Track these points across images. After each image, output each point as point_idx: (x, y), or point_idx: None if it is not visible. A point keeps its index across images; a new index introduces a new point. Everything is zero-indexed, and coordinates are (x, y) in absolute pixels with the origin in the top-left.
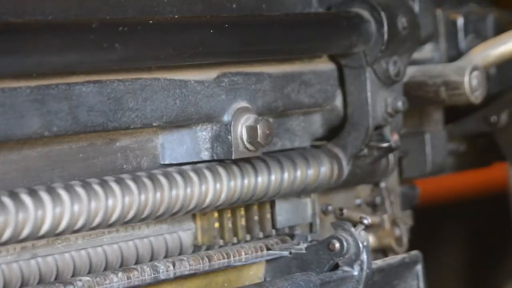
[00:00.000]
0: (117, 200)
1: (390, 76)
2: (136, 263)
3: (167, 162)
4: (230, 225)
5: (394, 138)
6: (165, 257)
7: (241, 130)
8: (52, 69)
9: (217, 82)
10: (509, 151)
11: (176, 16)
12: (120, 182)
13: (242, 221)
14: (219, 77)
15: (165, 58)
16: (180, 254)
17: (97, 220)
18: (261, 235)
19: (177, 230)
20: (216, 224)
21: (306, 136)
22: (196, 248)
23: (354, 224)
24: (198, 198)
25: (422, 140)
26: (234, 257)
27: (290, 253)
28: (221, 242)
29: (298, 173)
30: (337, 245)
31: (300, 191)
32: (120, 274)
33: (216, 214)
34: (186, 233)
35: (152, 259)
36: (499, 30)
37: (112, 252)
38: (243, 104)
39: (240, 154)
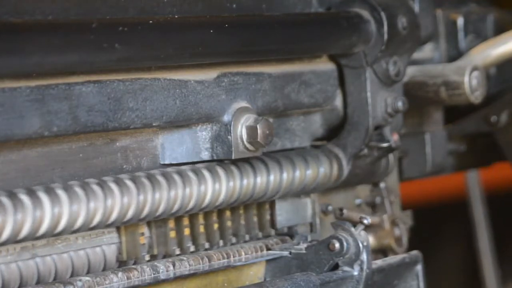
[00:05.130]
0: (116, 200)
1: (390, 76)
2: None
3: (167, 162)
4: (230, 224)
5: (394, 138)
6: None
7: (241, 130)
8: (52, 69)
9: (217, 82)
10: (509, 151)
11: (176, 16)
12: (118, 182)
13: (242, 220)
14: (219, 77)
15: (165, 58)
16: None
17: (95, 220)
18: (260, 235)
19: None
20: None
21: (306, 136)
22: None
23: (354, 224)
24: (196, 198)
25: (422, 140)
26: (234, 257)
27: (290, 253)
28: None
29: (298, 173)
30: (337, 245)
31: (300, 191)
32: (120, 274)
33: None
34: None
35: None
36: (499, 30)
37: (111, 252)
38: (243, 104)
39: (240, 154)
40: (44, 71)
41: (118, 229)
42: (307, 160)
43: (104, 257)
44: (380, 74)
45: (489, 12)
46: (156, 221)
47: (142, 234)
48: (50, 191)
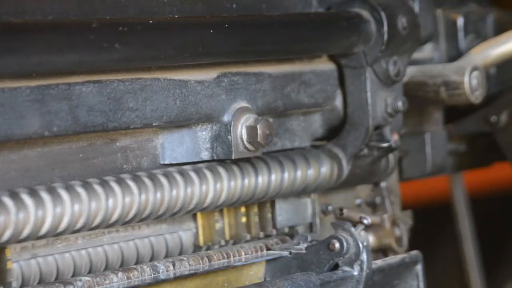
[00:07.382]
0: (118, 200)
1: (390, 76)
2: (136, 263)
3: (167, 162)
4: (232, 223)
5: (394, 138)
6: (165, 257)
7: (241, 130)
8: (52, 69)
9: (217, 82)
10: (509, 151)
11: (176, 16)
12: (120, 182)
13: (243, 220)
14: (219, 77)
15: (165, 58)
16: (180, 254)
17: (97, 220)
18: (261, 235)
19: (177, 230)
20: (217, 224)
21: (306, 136)
22: (197, 248)
23: (354, 224)
24: (198, 198)
25: (422, 140)
26: (234, 257)
27: (290, 253)
28: (222, 241)
29: (298, 173)
30: (337, 245)
31: (300, 191)
32: (120, 274)
33: (216, 214)
34: (186, 233)
35: (152, 259)
36: (499, 30)
37: (113, 252)
38: (243, 104)
39: (240, 154)
40: (44, 71)
41: None
42: (308, 160)
43: None
44: (380, 74)
45: (489, 12)
46: None
47: None
48: (51, 191)
